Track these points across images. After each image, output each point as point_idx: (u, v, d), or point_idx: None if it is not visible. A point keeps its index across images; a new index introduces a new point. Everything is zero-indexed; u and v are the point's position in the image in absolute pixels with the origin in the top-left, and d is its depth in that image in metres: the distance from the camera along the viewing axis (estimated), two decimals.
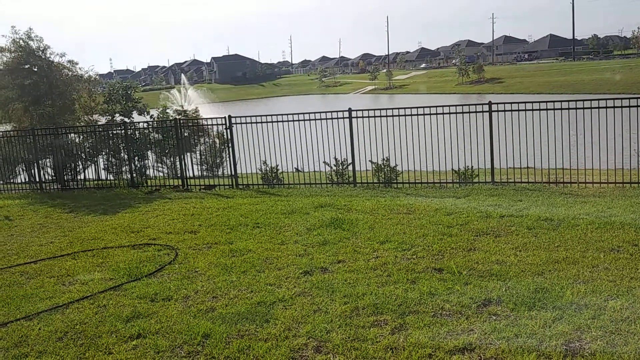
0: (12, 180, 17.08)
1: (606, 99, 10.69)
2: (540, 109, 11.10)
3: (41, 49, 19.50)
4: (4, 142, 16.27)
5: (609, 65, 79.00)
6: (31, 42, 19.37)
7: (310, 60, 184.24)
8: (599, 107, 10.65)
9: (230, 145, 13.73)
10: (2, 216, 11.68)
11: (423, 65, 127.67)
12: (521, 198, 9.84)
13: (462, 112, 11.93)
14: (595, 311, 4.88)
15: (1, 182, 16.78)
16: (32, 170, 16.39)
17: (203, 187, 13.77)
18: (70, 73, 20.01)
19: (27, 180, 16.72)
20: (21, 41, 19.22)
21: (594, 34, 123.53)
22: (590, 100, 10.82)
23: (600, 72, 73.04)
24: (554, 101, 11.11)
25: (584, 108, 10.78)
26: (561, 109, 10.92)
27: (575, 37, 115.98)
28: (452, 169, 12.00)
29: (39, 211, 12.11)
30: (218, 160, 16.26)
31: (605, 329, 4.56)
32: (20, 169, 17.13)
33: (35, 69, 19.44)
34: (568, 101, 11.00)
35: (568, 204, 9.12)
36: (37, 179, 15.89)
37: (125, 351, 4.83)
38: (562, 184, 10.90)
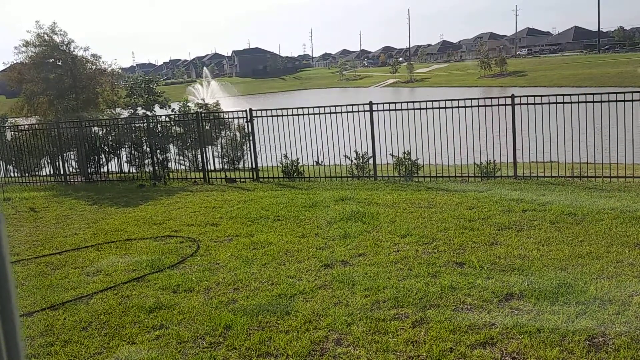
0: (37, 173, 17.36)
1: (632, 92, 10.49)
2: (564, 102, 10.94)
3: (65, 43, 19.78)
4: (30, 135, 16.52)
5: (634, 58, 77.52)
6: (55, 37, 19.66)
7: (330, 54, 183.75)
8: (624, 100, 10.46)
9: (251, 138, 13.78)
10: (28, 208, 11.89)
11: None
12: (544, 192, 9.73)
13: (485, 105, 11.82)
14: (619, 307, 4.82)
15: (27, 174, 17.06)
16: (57, 163, 16.63)
17: (224, 179, 13.86)
18: (93, 67, 20.28)
19: (51, 172, 16.97)
20: (45, 35, 19.51)
21: (620, 26, 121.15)
22: (616, 93, 10.64)
23: (625, 64, 71.70)
24: (578, 94, 10.94)
25: (609, 101, 10.60)
26: (585, 102, 10.75)
27: (600, 29, 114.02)
28: (474, 163, 11.90)
29: (64, 203, 12.29)
30: (239, 154, 16.33)
31: (629, 324, 4.50)
32: (45, 162, 17.40)
33: (60, 63, 19.74)
34: (593, 94, 10.83)
35: (592, 199, 9.00)
36: (62, 172, 16.12)
37: (148, 341, 4.90)
38: (586, 178, 10.75)
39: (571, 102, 10.86)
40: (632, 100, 10.40)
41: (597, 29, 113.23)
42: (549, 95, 11.24)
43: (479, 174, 11.64)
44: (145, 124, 15.48)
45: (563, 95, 11.07)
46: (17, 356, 0.80)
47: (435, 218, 8.27)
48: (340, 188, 11.56)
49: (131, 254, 7.71)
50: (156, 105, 23.68)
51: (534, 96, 11.34)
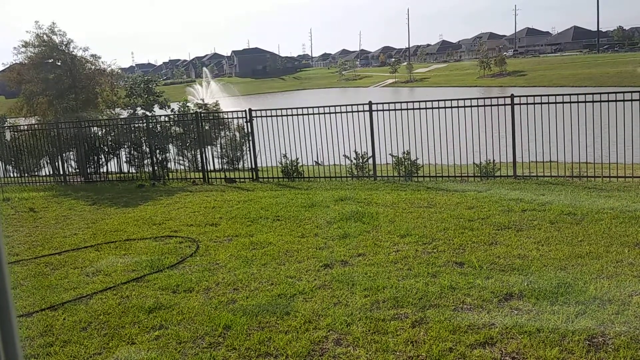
0: (36, 173, 17.35)
1: (631, 92, 10.50)
2: (563, 102, 10.95)
3: (64, 43, 19.79)
4: (29, 136, 16.52)
5: (634, 58, 77.54)
6: (54, 37, 19.67)
7: (330, 54, 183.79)
8: (623, 100, 10.47)
9: (250, 138, 13.78)
10: (27, 208, 11.88)
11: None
12: (544, 192, 9.73)
13: (484, 105, 11.82)
14: (619, 306, 4.82)
15: (26, 174, 17.06)
16: (56, 163, 16.63)
17: (224, 179, 13.86)
18: (93, 67, 20.30)
19: (51, 173, 16.97)
20: (45, 36, 19.51)
21: (619, 26, 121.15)
22: (615, 93, 10.64)
23: (625, 64, 71.72)
24: (577, 94, 10.94)
25: (608, 101, 10.60)
26: (585, 102, 10.75)
27: (599, 29, 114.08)
28: (474, 163, 11.90)
29: (63, 203, 12.28)
30: (238, 154, 16.33)
31: (629, 324, 4.50)
32: (45, 162, 17.39)
33: (59, 63, 19.75)
34: (592, 94, 10.84)
35: (591, 198, 9.00)
36: (61, 172, 16.12)
37: (148, 342, 4.89)
38: (586, 178, 10.75)
39: (570, 102, 10.85)
40: (632, 100, 10.39)
41: (596, 29, 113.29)
42: (548, 95, 11.24)
43: (479, 174, 11.64)
44: (145, 124, 15.47)
45: (562, 95, 11.07)
46: (15, 356, 0.80)
47: (435, 218, 8.27)
48: (340, 188, 11.56)
49: (131, 254, 7.71)
50: (156, 106, 23.69)
51: (534, 96, 11.34)
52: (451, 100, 11.88)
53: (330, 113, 12.70)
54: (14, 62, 21.07)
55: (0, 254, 0.79)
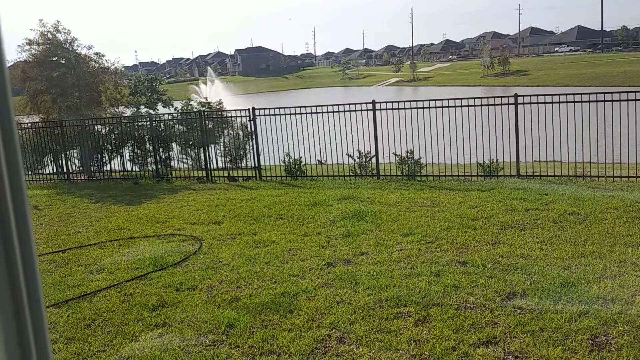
0: (40, 171, 17.38)
1: (635, 92, 10.47)
2: (567, 102, 10.93)
3: (69, 41, 19.81)
4: (33, 133, 16.56)
5: (638, 57, 77.32)
6: (59, 35, 19.69)
7: (333, 53, 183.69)
8: (627, 100, 10.44)
9: (253, 137, 13.79)
10: (31, 206, 11.91)
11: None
12: (547, 192, 9.71)
13: (488, 105, 11.80)
14: (622, 306, 4.82)
15: (30, 172, 17.09)
16: (60, 161, 16.66)
17: (227, 178, 13.87)
18: (97, 65, 20.32)
19: (55, 170, 17.00)
20: (49, 34, 19.54)
21: (623, 25, 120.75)
22: (619, 92, 10.62)
23: (629, 64, 71.56)
24: (581, 93, 10.93)
25: (612, 100, 10.59)
26: (589, 101, 10.74)
27: (603, 29, 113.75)
28: (477, 162, 11.88)
29: (67, 201, 12.31)
30: (242, 152, 16.34)
31: (632, 323, 4.50)
32: (49, 160, 17.42)
33: (63, 61, 19.77)
34: (596, 94, 10.82)
35: (595, 198, 8.98)
36: (65, 170, 16.15)
37: (151, 339, 4.91)
38: (589, 177, 10.73)
39: (574, 102, 10.84)
40: (636, 100, 10.37)
41: (600, 28, 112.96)
42: (552, 95, 11.22)
43: (482, 173, 11.63)
44: (148, 123, 15.50)
45: (566, 94, 11.05)
46: (45, 353, 0.80)
47: (438, 217, 8.27)
48: (343, 187, 11.55)
49: (134, 252, 7.73)
50: (159, 104, 23.73)
51: (537, 95, 11.33)
52: (454, 99, 11.88)
53: (333, 112, 12.70)
54: (18, 60, 21.11)
55: (32, 251, 0.80)
